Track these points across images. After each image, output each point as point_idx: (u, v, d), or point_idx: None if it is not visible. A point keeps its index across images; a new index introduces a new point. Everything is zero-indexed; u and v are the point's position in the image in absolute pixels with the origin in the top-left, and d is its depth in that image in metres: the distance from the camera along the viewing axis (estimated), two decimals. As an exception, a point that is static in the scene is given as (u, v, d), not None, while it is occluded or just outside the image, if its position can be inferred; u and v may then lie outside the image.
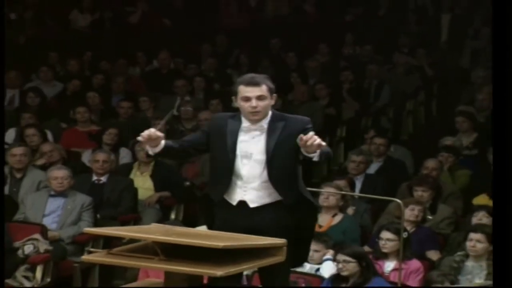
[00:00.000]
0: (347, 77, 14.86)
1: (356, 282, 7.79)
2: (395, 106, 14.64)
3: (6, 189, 10.30)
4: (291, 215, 6.55)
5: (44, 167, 10.74)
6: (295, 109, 13.58)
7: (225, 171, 6.60)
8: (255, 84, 6.51)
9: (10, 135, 12.36)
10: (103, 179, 10.60)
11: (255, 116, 6.50)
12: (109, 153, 11.00)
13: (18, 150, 10.75)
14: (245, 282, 7.06)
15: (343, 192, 9.80)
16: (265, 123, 6.54)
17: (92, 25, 16.61)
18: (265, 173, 6.51)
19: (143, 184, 10.91)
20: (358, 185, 10.73)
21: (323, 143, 6.30)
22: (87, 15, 16.63)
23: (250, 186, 6.59)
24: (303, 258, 6.90)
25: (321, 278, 8.35)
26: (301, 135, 6.24)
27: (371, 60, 15.62)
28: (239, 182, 6.58)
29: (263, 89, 6.50)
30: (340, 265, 7.83)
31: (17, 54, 15.15)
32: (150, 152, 6.56)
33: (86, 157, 11.63)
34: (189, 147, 6.80)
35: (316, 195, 9.90)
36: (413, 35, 16.43)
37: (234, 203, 6.61)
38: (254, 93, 6.48)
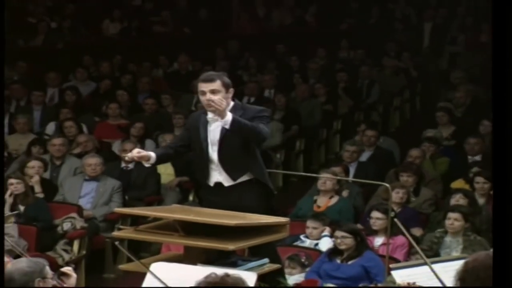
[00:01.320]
0: (342, 77, 14.82)
1: (350, 255, 7.77)
2: (384, 103, 14.62)
3: (47, 174, 10.30)
4: (260, 190, 6.64)
5: (80, 155, 10.74)
6: (297, 105, 13.62)
7: (202, 158, 6.68)
8: (210, 80, 6.57)
9: (51, 127, 12.34)
10: (131, 166, 10.58)
11: (210, 108, 6.51)
12: (136, 143, 10.97)
13: (57, 141, 10.76)
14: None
15: (338, 177, 9.78)
16: (228, 115, 6.57)
17: (121, 33, 16.60)
18: (218, 157, 6.60)
19: (165, 170, 10.89)
20: (352, 171, 10.70)
21: (220, 107, 6.35)
22: (117, 24, 16.62)
23: (220, 168, 6.64)
24: None
25: (319, 251, 8.35)
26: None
27: (363, 62, 15.60)
28: (213, 166, 6.65)
29: (217, 84, 6.53)
30: (339, 240, 7.81)
31: (57, 58, 15.17)
32: (146, 165, 6.75)
33: (116, 147, 11.62)
34: (177, 147, 6.93)
35: (315, 180, 9.94)
36: (399, 41, 16.40)
37: (212, 184, 6.66)
38: (208, 88, 6.53)
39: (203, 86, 6.54)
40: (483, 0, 17.22)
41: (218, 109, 6.37)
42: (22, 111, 12.83)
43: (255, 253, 6.49)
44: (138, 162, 10.43)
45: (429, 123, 12.65)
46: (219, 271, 4.77)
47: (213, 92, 6.48)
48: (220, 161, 6.60)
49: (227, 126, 6.39)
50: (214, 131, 6.62)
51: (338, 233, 7.85)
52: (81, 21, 16.53)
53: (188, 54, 15.53)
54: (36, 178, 9.85)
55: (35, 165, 10.00)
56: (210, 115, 6.61)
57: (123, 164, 10.63)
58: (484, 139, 11.27)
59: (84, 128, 12.01)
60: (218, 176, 6.65)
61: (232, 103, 6.59)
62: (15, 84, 13.78)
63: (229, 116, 6.37)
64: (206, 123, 6.65)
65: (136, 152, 6.62)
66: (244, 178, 6.65)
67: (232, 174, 6.63)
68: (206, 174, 6.68)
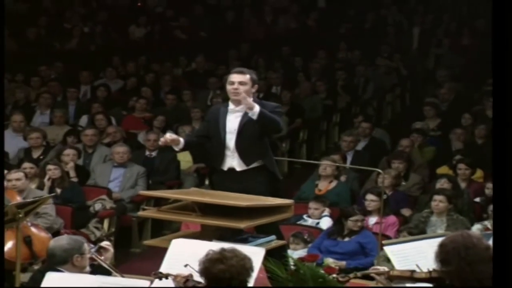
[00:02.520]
0: (340, 76, 14.79)
1: (349, 233, 7.75)
2: (378, 98, 14.59)
3: (81, 161, 10.31)
4: (268, 175, 6.64)
5: (109, 145, 10.74)
6: (301, 101, 13.61)
7: (220, 146, 6.69)
8: (241, 72, 6.66)
9: (83, 120, 12.35)
10: (154, 154, 10.59)
11: (235, 96, 6.57)
12: (158, 134, 10.97)
13: (89, 132, 10.78)
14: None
15: (337, 164, 9.77)
16: (243, 107, 6.59)
17: (145, 36, 16.58)
18: (235, 144, 6.60)
19: (184, 157, 10.88)
20: (349, 158, 10.68)
21: (248, 99, 6.42)
22: (142, 29, 16.61)
23: (234, 155, 6.64)
24: None
25: (320, 229, 8.35)
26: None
27: (359, 62, 15.55)
28: (228, 152, 6.66)
29: (246, 78, 6.60)
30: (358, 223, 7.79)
31: (89, 58, 15.18)
32: (176, 149, 6.75)
33: (140, 137, 11.63)
34: (199, 137, 6.99)
35: (316, 166, 9.93)
36: (391, 44, 16.35)
37: (226, 168, 6.67)
38: (238, 79, 6.59)
39: (234, 77, 6.61)
40: (465, 8, 17.23)
41: (240, 98, 6.45)
42: (59, 105, 12.83)
43: (261, 231, 6.50)
44: (160, 151, 10.55)
45: (417, 116, 12.61)
46: (222, 246, 4.78)
47: (241, 83, 6.55)
48: (236, 148, 6.61)
49: (254, 117, 6.43)
50: (232, 121, 6.64)
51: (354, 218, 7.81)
52: (110, 26, 16.53)
53: (204, 55, 15.52)
54: (71, 164, 9.87)
55: (70, 153, 10.03)
56: (231, 106, 6.66)
57: (147, 152, 10.64)
58: (466, 130, 11.28)
59: (113, 121, 12.02)
60: (232, 161, 6.66)
61: (251, 98, 6.61)
62: (53, 82, 13.80)
63: (256, 108, 6.42)
64: (225, 113, 6.67)
65: (169, 136, 6.68)
66: (255, 164, 6.66)
67: (245, 160, 6.63)
68: (221, 160, 6.68)
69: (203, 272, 4.62)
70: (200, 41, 16.51)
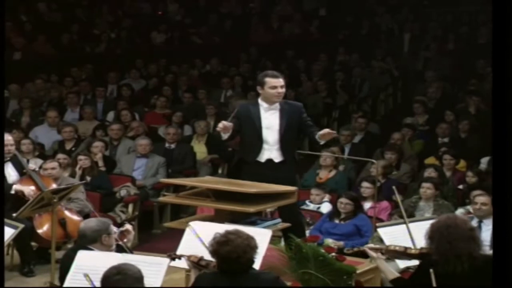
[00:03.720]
0: (339, 76, 14.75)
1: (347, 216, 7.74)
2: (373, 97, 14.53)
3: (108, 153, 10.33)
4: (296, 167, 6.71)
5: (133, 138, 10.76)
6: (304, 99, 13.58)
7: (256, 140, 6.65)
8: (278, 77, 6.64)
9: (110, 116, 12.34)
10: (173, 146, 10.60)
11: (279, 99, 6.61)
12: (177, 128, 11.00)
13: (115, 126, 10.79)
14: (269, 216, 7.05)
15: (336, 155, 9.78)
16: (277, 105, 6.59)
17: (166, 41, 16.58)
18: (279, 139, 6.58)
19: (200, 149, 10.90)
20: (347, 150, 10.66)
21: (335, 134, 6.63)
22: (162, 35, 16.58)
23: (273, 148, 6.63)
24: None
25: (321, 213, 8.35)
26: (327, 130, 6.57)
27: (356, 65, 15.50)
28: (265, 146, 6.62)
29: (283, 80, 6.64)
30: (342, 206, 7.76)
31: (115, 61, 15.18)
32: (224, 136, 6.70)
33: (161, 131, 11.62)
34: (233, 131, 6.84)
35: (318, 157, 9.93)
36: (385, 48, 16.30)
37: (263, 160, 6.64)
38: (279, 83, 6.58)
39: (275, 82, 6.59)
40: (449, 16, 17.17)
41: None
42: (88, 103, 12.87)
43: (285, 215, 6.52)
44: (178, 143, 10.56)
45: (407, 112, 12.59)
46: (236, 227, 4.79)
47: (282, 87, 6.60)
48: (278, 142, 6.61)
49: (322, 143, 6.70)
50: (269, 118, 6.62)
51: (343, 200, 7.78)
52: (134, 32, 16.52)
53: (217, 58, 15.52)
54: (99, 155, 9.89)
55: (99, 145, 10.06)
56: (265, 105, 6.64)
57: (166, 145, 10.65)
58: (451, 125, 11.26)
59: (136, 116, 12.04)
60: (270, 154, 6.64)
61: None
62: (83, 81, 13.82)
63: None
64: (258, 111, 6.64)
65: (224, 124, 6.57)
66: (289, 156, 6.67)
67: (284, 153, 6.63)
68: (257, 152, 6.65)
69: (213, 253, 4.65)
70: (214, 45, 16.49)
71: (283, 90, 6.62)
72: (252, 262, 4.62)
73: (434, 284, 4.36)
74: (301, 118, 6.72)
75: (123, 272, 4.05)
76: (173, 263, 5.30)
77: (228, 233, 4.62)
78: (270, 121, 6.62)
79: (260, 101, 6.71)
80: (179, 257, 5.19)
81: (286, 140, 6.61)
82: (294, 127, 6.65)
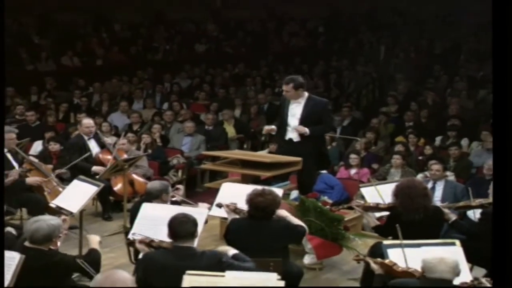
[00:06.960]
0: (333, 77, 14.69)
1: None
2: (357, 92, 14.46)
3: (163, 132, 10.33)
4: (313, 145, 6.59)
5: (182, 122, 10.77)
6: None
7: (284, 123, 6.64)
8: (283, 83, 6.67)
9: (165, 105, 12.32)
10: (211, 127, 10.59)
11: (287, 96, 6.58)
12: (213, 115, 11.02)
13: (168, 113, 10.79)
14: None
15: (330, 135, 9.74)
16: (302, 100, 6.55)
17: (206, 51, 16.48)
18: (298, 124, 6.57)
19: (229, 129, 10.89)
20: (338, 131, 10.63)
21: (305, 132, 6.43)
22: (203, 46, 16.46)
23: (294, 130, 6.62)
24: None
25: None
26: (299, 127, 6.46)
27: (346, 68, 15.42)
28: (289, 128, 6.62)
29: (289, 87, 6.56)
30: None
31: (169, 65, 15.14)
32: (272, 133, 6.78)
33: (202, 116, 11.62)
34: (278, 117, 6.88)
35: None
36: (366, 56, 16.17)
37: (287, 138, 6.65)
38: (284, 87, 6.61)
39: (283, 86, 6.61)
40: (415, 33, 16.99)
41: (299, 130, 6.49)
42: (150, 96, 12.87)
43: (302, 181, 6.59)
44: (215, 126, 10.54)
45: (383, 103, 12.53)
46: (260, 187, 4.83)
47: (286, 89, 6.53)
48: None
49: (306, 134, 6.45)
50: (294, 108, 6.58)
51: None
52: (183, 44, 16.49)
53: (243, 64, 15.47)
54: (157, 134, 9.92)
55: (157, 127, 10.07)
56: (291, 100, 6.60)
57: (206, 127, 10.65)
58: (414, 113, 11.19)
59: (184, 106, 12.06)
60: (291, 134, 6.62)
61: (306, 94, 6.61)
62: (146, 81, 13.82)
63: (307, 130, 6.51)
64: (288, 103, 6.62)
65: (268, 128, 6.72)
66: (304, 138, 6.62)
67: (301, 135, 6.57)
68: (284, 133, 6.64)
69: (248, 201, 4.71)
70: (241, 54, 16.43)
71: (290, 93, 6.57)
72: (274, 213, 4.69)
73: (400, 235, 4.35)
74: (323, 111, 6.62)
75: (187, 216, 4.19)
76: (211, 212, 5.33)
77: (264, 189, 4.71)
78: (295, 111, 6.61)
79: None
80: (221, 205, 5.23)
81: (304, 126, 6.58)
82: (314, 117, 6.57)
